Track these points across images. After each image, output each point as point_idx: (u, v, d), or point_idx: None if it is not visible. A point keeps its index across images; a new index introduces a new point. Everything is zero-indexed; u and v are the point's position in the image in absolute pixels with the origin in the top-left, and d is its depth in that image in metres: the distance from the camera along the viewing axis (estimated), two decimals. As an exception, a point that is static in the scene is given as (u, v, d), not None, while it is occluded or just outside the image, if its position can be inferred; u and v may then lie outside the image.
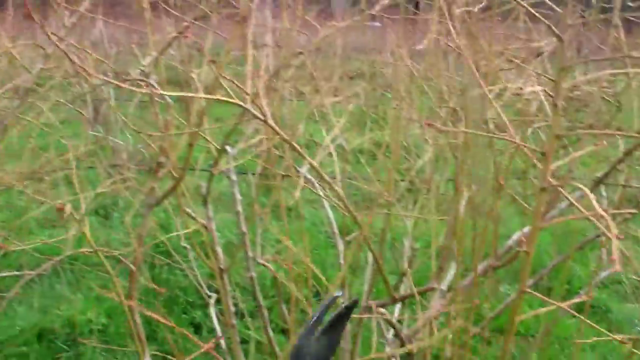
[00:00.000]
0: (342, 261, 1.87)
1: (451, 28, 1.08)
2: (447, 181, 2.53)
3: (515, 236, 1.52)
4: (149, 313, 1.07)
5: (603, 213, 0.54)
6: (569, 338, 3.32)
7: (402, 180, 2.21)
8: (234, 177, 1.49)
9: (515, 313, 0.87)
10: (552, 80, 0.72)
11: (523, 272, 0.83)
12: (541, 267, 3.70)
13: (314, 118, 3.24)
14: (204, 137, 1.41)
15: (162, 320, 1.04)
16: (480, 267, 1.40)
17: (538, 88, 0.87)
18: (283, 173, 1.64)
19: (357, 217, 1.13)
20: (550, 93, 0.73)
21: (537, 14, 0.80)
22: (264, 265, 1.76)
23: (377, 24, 5.83)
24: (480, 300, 2.03)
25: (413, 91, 1.84)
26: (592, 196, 0.58)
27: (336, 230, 1.98)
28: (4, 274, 2.46)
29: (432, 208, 1.80)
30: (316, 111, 2.83)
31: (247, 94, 0.93)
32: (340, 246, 1.99)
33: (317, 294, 3.12)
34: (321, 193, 2.04)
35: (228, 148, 1.43)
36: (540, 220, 0.81)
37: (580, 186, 0.59)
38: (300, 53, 1.41)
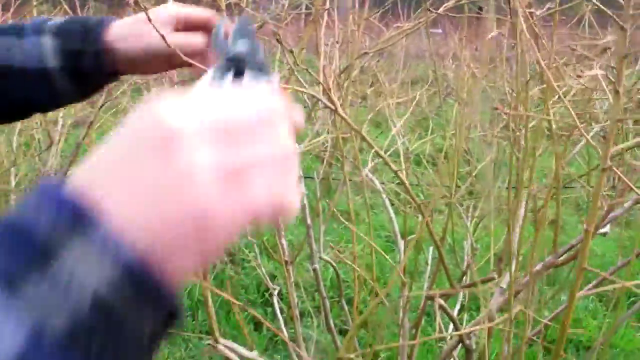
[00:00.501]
0: (402, 257, 1.89)
1: (513, 27, 1.11)
2: (507, 186, 2.54)
3: (579, 237, 1.52)
4: (221, 293, 1.13)
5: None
6: (636, 351, 3.25)
7: (459, 186, 2.23)
8: (300, 172, 1.54)
9: (575, 290, 0.89)
10: (613, 68, 0.75)
11: (583, 250, 0.86)
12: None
13: (376, 122, 3.28)
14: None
15: (233, 301, 1.10)
16: (539, 266, 1.41)
17: (599, 72, 0.89)
18: (347, 169, 1.69)
19: (420, 205, 1.17)
20: (612, 79, 0.75)
21: (600, 5, 0.82)
22: (326, 261, 1.80)
23: (439, 30, 5.83)
24: (540, 307, 2.03)
25: (475, 93, 1.86)
26: None
27: (397, 230, 2.01)
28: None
29: (491, 210, 1.81)
30: (379, 114, 2.88)
31: (322, 82, 0.98)
32: (401, 247, 2.01)
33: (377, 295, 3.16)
34: (383, 194, 2.08)
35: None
36: (599, 200, 0.83)
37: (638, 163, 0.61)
38: (365, 53, 1.45)
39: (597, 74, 0.85)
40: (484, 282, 1.33)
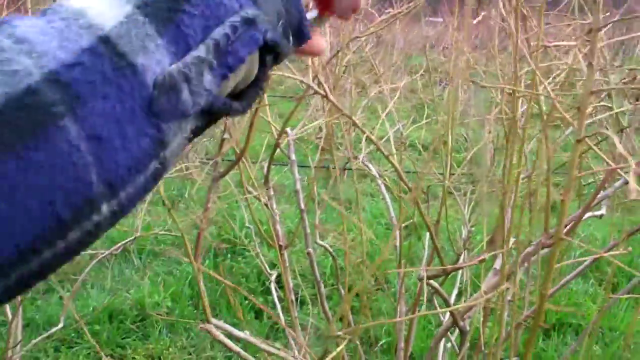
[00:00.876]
0: (397, 244, 1.91)
1: (501, 8, 1.12)
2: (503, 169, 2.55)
3: (569, 218, 1.53)
4: (214, 274, 1.14)
5: (626, 154, 0.58)
6: (636, 334, 3.26)
7: (453, 174, 2.24)
8: (293, 156, 1.55)
9: (553, 260, 0.90)
10: (588, 41, 0.76)
11: (561, 219, 0.87)
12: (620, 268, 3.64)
13: (376, 110, 3.26)
14: (265, 119, 1.49)
15: (228, 284, 1.12)
16: (530, 247, 1.42)
17: (572, 43, 0.90)
18: (342, 155, 1.70)
19: (408, 183, 1.18)
20: (585, 51, 0.76)
21: None
22: (321, 246, 1.82)
23: (440, 19, 5.82)
24: (536, 290, 2.03)
25: (467, 77, 1.87)
26: (617, 139, 0.62)
27: (393, 214, 2.03)
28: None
29: (484, 194, 1.83)
30: (378, 102, 2.89)
31: (311, 68, 0.99)
32: (398, 233, 2.03)
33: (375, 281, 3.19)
34: (379, 180, 2.09)
35: (288, 130, 1.50)
36: (575, 171, 0.84)
37: (608, 133, 0.63)
38: (356, 37, 1.46)
39: (576, 47, 0.86)
40: (474, 264, 1.35)
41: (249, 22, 0.43)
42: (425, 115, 2.78)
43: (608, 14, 1.75)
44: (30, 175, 0.33)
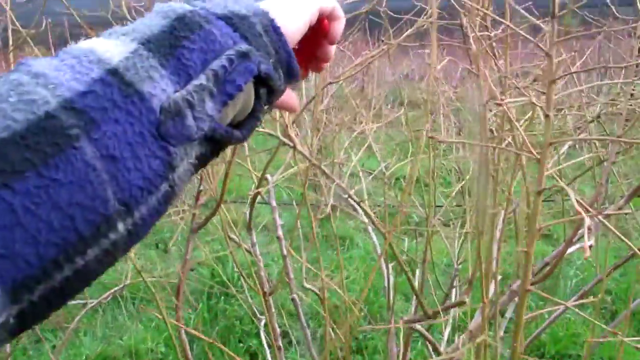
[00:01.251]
0: (386, 284, 1.90)
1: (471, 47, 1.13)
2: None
3: (553, 254, 1.53)
4: (194, 332, 1.13)
5: (579, 208, 0.58)
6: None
7: (440, 206, 2.24)
8: (273, 203, 1.55)
9: (521, 312, 0.90)
10: (543, 93, 0.77)
11: (525, 271, 0.87)
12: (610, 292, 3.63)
13: (359, 146, 3.26)
14: (244, 166, 1.49)
15: (209, 341, 1.11)
16: (515, 285, 1.41)
17: (524, 100, 0.91)
18: (325, 201, 1.70)
19: (382, 230, 1.18)
20: (540, 104, 0.77)
21: (527, 36, 0.84)
22: (310, 289, 1.81)
23: (427, 51, 5.89)
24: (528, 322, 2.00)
25: (449, 113, 1.88)
26: (572, 193, 0.62)
27: (379, 251, 2.02)
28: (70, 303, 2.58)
29: (469, 229, 1.82)
30: (360, 139, 2.90)
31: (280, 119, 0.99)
32: (384, 270, 2.02)
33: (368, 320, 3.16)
34: (365, 219, 2.09)
35: (268, 176, 1.50)
36: (536, 222, 0.85)
37: (565, 187, 0.63)
38: (331, 83, 1.47)
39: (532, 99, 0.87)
40: (450, 307, 1.34)
41: (243, 55, 0.47)
42: (410, 153, 2.79)
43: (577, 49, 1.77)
44: (51, 192, 0.36)
